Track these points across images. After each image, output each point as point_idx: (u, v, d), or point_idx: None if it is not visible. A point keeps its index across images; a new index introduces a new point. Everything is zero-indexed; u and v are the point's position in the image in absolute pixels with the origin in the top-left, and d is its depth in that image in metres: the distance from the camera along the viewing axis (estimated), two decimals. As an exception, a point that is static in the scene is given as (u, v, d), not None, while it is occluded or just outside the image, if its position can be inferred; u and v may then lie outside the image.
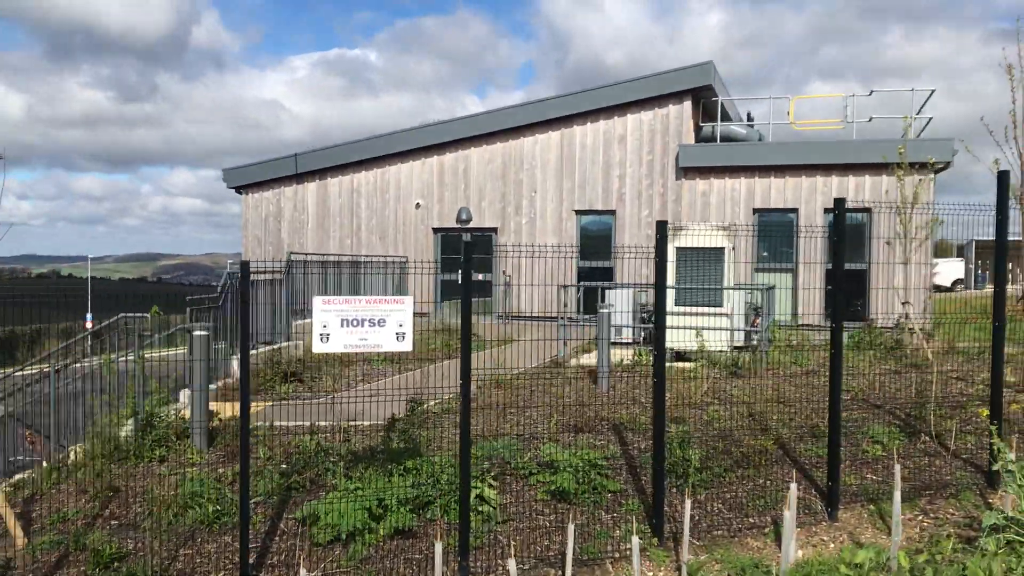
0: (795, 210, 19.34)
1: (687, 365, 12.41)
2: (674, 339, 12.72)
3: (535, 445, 8.35)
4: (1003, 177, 7.28)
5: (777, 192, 19.54)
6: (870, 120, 19.71)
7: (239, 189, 23.91)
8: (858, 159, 18.67)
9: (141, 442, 8.35)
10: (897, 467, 6.65)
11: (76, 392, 9.53)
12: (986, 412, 7.18)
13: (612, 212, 20.87)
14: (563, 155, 21.24)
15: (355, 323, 5.96)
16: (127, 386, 9.03)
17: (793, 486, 6.38)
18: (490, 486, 7.24)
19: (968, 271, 44.45)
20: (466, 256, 6.07)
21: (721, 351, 12.63)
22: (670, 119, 20.33)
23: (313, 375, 12.43)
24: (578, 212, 21.22)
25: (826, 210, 19.08)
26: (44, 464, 8.71)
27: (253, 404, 10.76)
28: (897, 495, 6.25)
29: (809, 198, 19.28)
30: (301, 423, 9.17)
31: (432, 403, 10.17)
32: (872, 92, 19.90)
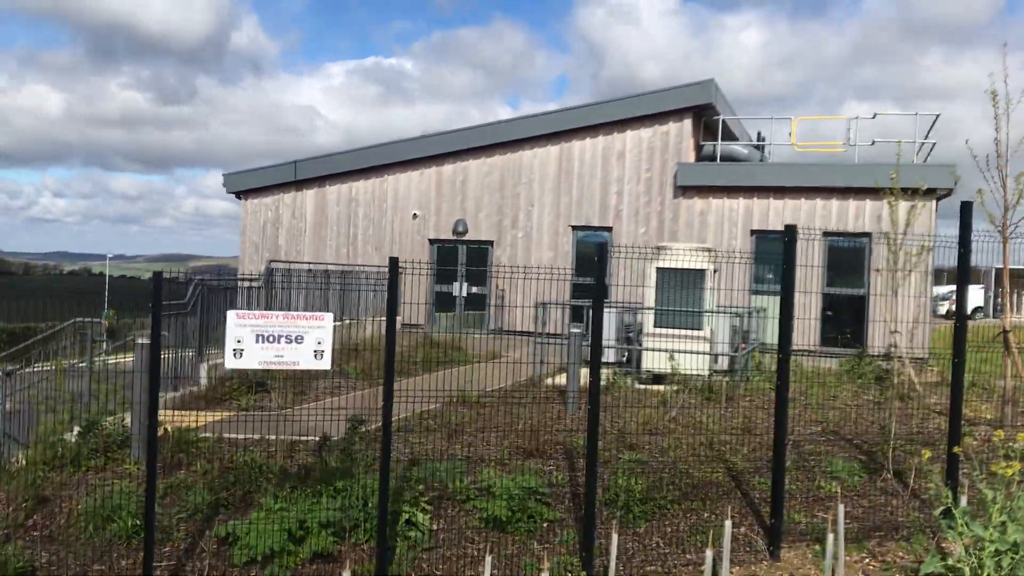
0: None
1: (661, 388, 12.14)
2: (651, 362, 12.45)
3: (481, 469, 8.11)
4: (965, 208, 7.00)
5: (776, 214, 19.21)
6: (872, 143, 19.37)
7: (239, 195, 23.87)
8: (858, 183, 18.31)
9: (78, 451, 8.19)
10: (840, 507, 6.35)
11: (23, 399, 9.41)
12: (928, 454, 6.84)
13: (609, 229, 20.61)
14: (561, 170, 21.03)
15: (271, 339, 5.77)
16: (72, 392, 8.90)
17: (728, 523, 6.11)
18: (423, 510, 7.01)
19: (987, 299, 43.64)
20: (391, 279, 5.88)
21: (699, 375, 12.33)
22: (670, 137, 20.07)
23: (283, 386, 12.24)
24: (575, 228, 20.97)
25: (825, 234, 18.74)
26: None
27: (211, 415, 10.61)
28: (830, 538, 5.94)
29: (808, 221, 18.91)
30: (252, 436, 8.99)
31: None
32: (876, 115, 19.57)
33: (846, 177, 18.53)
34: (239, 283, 14.18)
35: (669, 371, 12.26)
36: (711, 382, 12.26)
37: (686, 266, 12.69)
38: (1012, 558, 5.55)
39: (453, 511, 7.23)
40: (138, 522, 6.77)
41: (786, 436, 6.75)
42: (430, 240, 22.20)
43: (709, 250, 13.02)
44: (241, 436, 9.17)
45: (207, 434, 9.08)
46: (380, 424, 9.71)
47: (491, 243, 21.67)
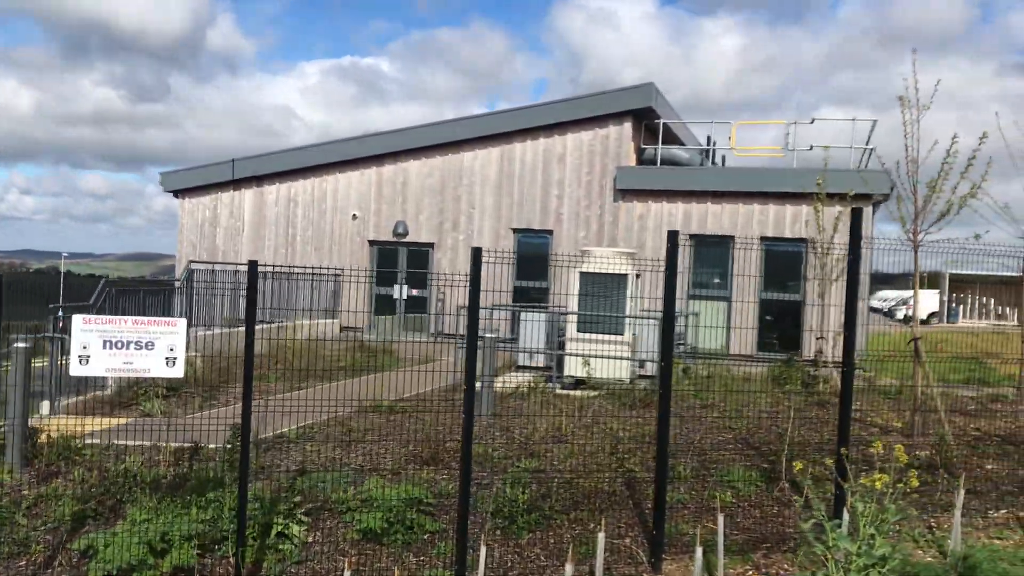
0: (731, 238, 18.96)
1: (578, 394, 11.99)
2: (572, 367, 12.30)
3: (370, 478, 7.89)
4: (856, 214, 6.90)
5: (714, 218, 19.20)
6: (811, 148, 19.38)
7: (176, 193, 23.38)
8: (795, 188, 18.31)
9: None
10: (721, 517, 6.22)
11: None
12: (831, 461, 6.78)
13: (550, 232, 20.48)
14: (503, 172, 20.85)
15: (119, 345, 5.51)
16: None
17: (601, 535, 5.96)
18: (299, 522, 6.78)
19: (942, 303, 44.09)
20: (251, 284, 5.65)
21: (619, 381, 12.20)
22: (610, 140, 19.98)
23: (194, 391, 11.91)
24: (516, 231, 20.81)
25: (762, 238, 18.77)
26: None
27: (111, 420, 10.28)
28: (699, 552, 5.82)
29: (746, 226, 18.93)
30: (144, 443, 8.70)
31: (292, 428, 9.71)
32: (813, 120, 19.65)
33: (782, 182, 18.57)
34: (162, 286, 13.82)
35: (597, 376, 12.12)
36: (634, 388, 12.13)
37: (608, 271, 12.56)
38: (880, 572, 5.44)
39: (332, 523, 7.00)
40: (-6, 535, 6.47)
41: (668, 445, 6.61)
42: (370, 242, 21.91)
43: (632, 255, 12.90)
44: (134, 443, 8.88)
45: (95, 441, 8.77)
46: (276, 432, 9.49)
47: (432, 245, 21.44)
